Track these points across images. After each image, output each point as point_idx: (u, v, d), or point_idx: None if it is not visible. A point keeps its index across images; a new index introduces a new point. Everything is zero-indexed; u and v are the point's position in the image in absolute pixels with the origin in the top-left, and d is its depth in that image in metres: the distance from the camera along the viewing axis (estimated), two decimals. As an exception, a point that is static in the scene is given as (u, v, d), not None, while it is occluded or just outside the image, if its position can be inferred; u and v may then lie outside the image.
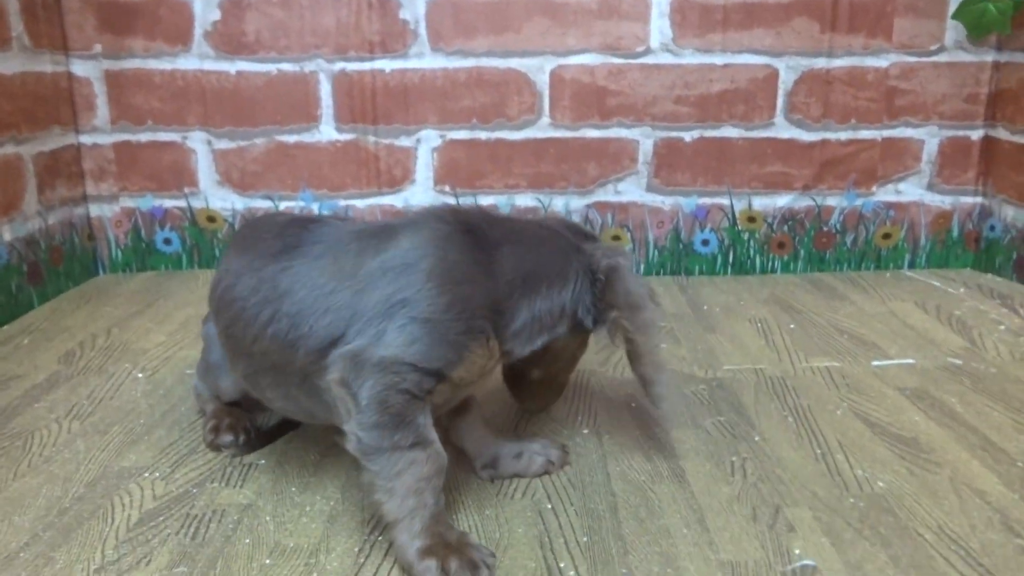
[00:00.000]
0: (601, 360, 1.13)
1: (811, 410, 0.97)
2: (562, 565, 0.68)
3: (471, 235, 0.75)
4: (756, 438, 0.90)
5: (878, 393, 1.01)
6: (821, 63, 1.46)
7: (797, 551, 0.69)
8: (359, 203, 1.53)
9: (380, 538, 0.72)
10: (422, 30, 1.45)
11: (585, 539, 0.72)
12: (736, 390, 1.03)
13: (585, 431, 0.93)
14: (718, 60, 1.46)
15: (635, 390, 1.03)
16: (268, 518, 0.75)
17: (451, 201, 1.50)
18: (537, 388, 0.90)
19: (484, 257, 0.74)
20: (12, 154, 1.29)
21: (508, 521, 0.75)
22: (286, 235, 0.79)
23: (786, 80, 1.47)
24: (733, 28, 1.44)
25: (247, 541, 0.72)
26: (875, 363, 1.10)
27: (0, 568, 0.68)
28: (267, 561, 0.69)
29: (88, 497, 0.79)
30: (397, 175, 1.52)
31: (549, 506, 0.77)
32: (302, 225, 0.80)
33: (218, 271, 0.84)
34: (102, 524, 0.74)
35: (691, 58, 1.46)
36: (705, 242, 1.55)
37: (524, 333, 0.75)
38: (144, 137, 1.50)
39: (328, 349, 0.70)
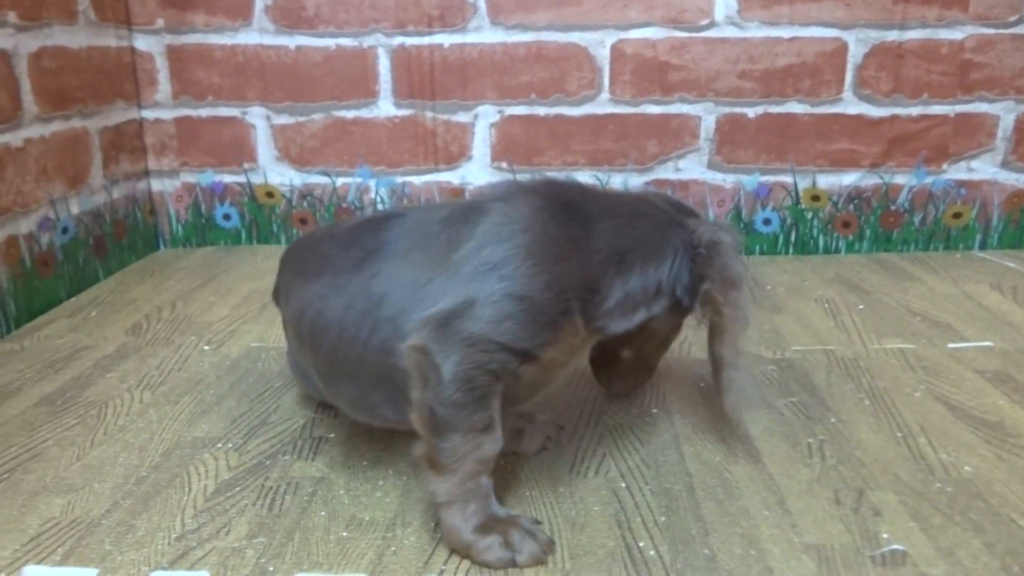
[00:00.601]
0: (666, 339, 1.11)
1: (888, 392, 0.94)
2: (641, 544, 0.67)
3: (566, 209, 0.72)
4: (832, 420, 0.88)
5: (957, 376, 0.98)
6: (893, 35, 1.41)
7: (885, 535, 0.67)
8: (416, 179, 1.53)
9: (455, 513, 0.72)
10: (482, 4, 1.43)
11: (663, 519, 0.70)
12: (807, 371, 1.00)
13: (655, 411, 0.91)
14: (785, 33, 1.42)
15: (703, 370, 1.01)
16: (342, 491, 0.75)
17: (508, 177, 1.49)
18: (625, 370, 0.88)
19: (580, 232, 0.71)
20: (79, 128, 1.31)
21: (583, 499, 0.74)
22: (361, 241, 0.75)
23: (855, 54, 1.42)
24: None
25: (323, 513, 0.72)
26: (951, 345, 1.07)
27: (85, 533, 0.69)
28: (344, 534, 0.69)
29: (164, 466, 0.79)
30: (454, 151, 1.51)
31: (623, 485, 0.76)
32: (375, 226, 0.76)
33: (292, 306, 0.78)
34: (180, 493, 0.75)
35: (756, 31, 1.42)
36: (767, 221, 1.52)
37: (618, 311, 0.72)
38: (204, 112, 1.51)
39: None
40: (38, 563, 0.65)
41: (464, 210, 0.73)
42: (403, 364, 0.66)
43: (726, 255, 0.74)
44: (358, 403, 0.76)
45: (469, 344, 0.64)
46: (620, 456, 0.81)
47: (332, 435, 0.86)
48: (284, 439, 0.85)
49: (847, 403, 0.92)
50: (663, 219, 0.76)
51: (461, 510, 0.66)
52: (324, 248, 0.78)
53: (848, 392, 0.94)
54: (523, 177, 0.81)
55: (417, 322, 0.66)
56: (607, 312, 0.71)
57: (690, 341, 1.10)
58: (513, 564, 0.64)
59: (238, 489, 0.76)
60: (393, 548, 0.67)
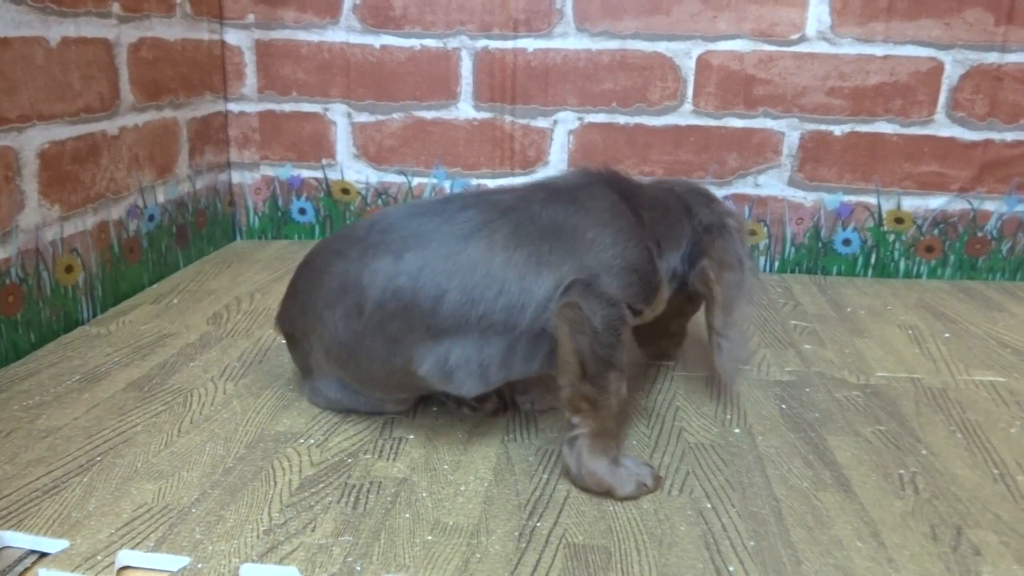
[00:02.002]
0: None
1: (980, 426, 0.91)
2: (731, 568, 0.65)
3: (627, 199, 0.86)
4: (923, 451, 0.85)
5: (1054, 414, 0.94)
6: (992, 57, 1.37)
7: (987, 577, 0.65)
8: (491, 183, 1.53)
9: (539, 524, 0.71)
10: (568, 9, 1.43)
11: (752, 543, 0.69)
12: (894, 399, 0.98)
13: (736, 431, 0.89)
14: (878, 51, 1.39)
15: (784, 391, 0.99)
16: (424, 494, 0.75)
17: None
18: (653, 336, 1.03)
19: (639, 219, 0.86)
20: (170, 118, 1.33)
21: (668, 518, 0.72)
22: (461, 216, 0.80)
23: (951, 75, 1.38)
24: (898, 17, 1.36)
25: (407, 515, 0.72)
26: (1045, 381, 1.03)
27: (176, 521, 0.70)
28: (429, 538, 0.69)
29: (249, 458, 0.80)
30: (531, 156, 1.51)
31: (709, 505, 0.75)
32: (463, 205, 0.82)
33: (375, 286, 0.78)
34: (266, 486, 0.76)
35: (849, 48, 1.39)
36: (847, 242, 1.48)
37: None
38: (288, 107, 1.53)
39: (553, 298, 0.77)
40: (132, 548, 0.66)
41: (555, 193, 0.85)
42: (537, 325, 0.77)
43: (727, 238, 0.89)
44: (469, 364, 0.78)
45: (609, 303, 0.76)
46: (704, 475, 0.80)
47: (411, 436, 0.86)
48: (364, 437, 0.86)
49: (938, 435, 0.89)
50: (680, 209, 0.92)
51: (603, 447, 0.76)
52: (407, 228, 0.80)
53: (938, 423, 0.91)
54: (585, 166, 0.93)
55: (566, 288, 0.77)
56: None
57: (768, 361, 1.08)
58: (646, 490, 0.76)
59: (322, 486, 0.76)
60: (479, 555, 0.67)
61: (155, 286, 1.31)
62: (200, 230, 1.46)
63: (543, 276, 0.77)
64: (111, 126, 1.18)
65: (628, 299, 0.79)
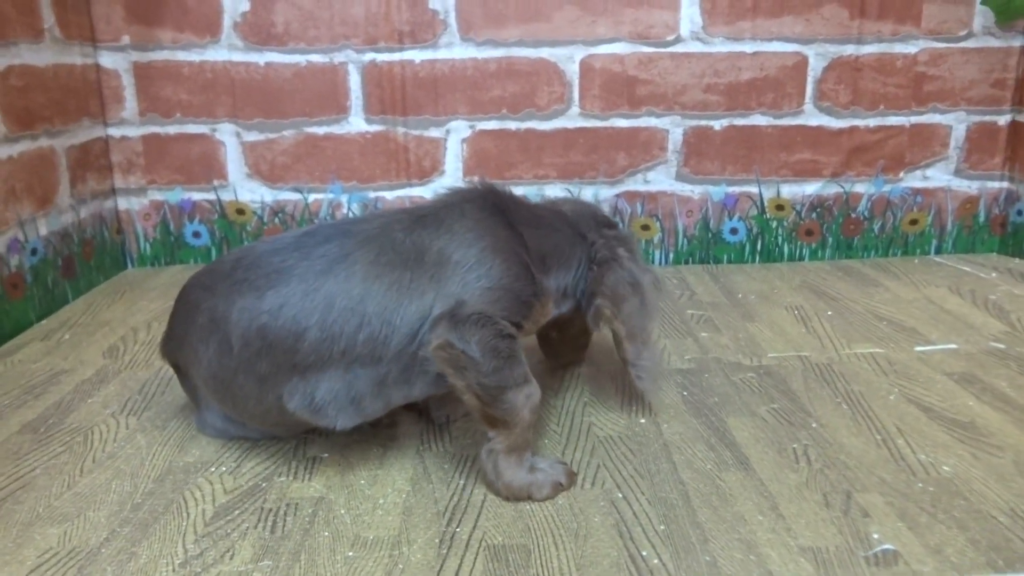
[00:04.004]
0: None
1: (863, 396, 0.97)
2: (644, 553, 0.69)
3: (503, 215, 0.85)
4: (814, 425, 0.91)
5: (927, 378, 1.02)
6: (850, 50, 1.46)
7: (875, 536, 0.70)
8: (388, 195, 1.53)
9: (458, 529, 0.73)
10: (452, 20, 1.44)
11: (663, 527, 0.72)
12: (784, 377, 1.03)
13: (642, 421, 0.93)
14: (748, 48, 1.46)
15: (685, 378, 1.04)
16: (343, 511, 0.76)
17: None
18: (560, 347, 1.06)
19: (516, 234, 0.84)
20: (46, 147, 1.28)
21: (583, 510, 0.75)
22: (319, 251, 0.79)
23: (815, 67, 1.47)
24: (763, 15, 1.44)
25: (326, 534, 0.72)
26: (918, 348, 1.11)
27: (86, 562, 0.68)
28: (350, 553, 0.69)
29: (159, 492, 0.79)
30: (427, 166, 1.52)
31: (620, 495, 0.78)
32: (325, 238, 0.80)
33: (239, 325, 0.77)
34: (178, 519, 0.74)
35: (721, 46, 1.46)
36: (734, 231, 1.55)
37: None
38: (173, 129, 1.49)
39: (419, 330, 0.76)
40: (41, 595, 0.64)
41: (421, 218, 0.83)
42: (405, 357, 0.77)
43: (616, 270, 0.89)
44: (335, 399, 0.77)
45: (479, 323, 0.75)
46: (614, 467, 0.83)
47: (326, 455, 0.86)
48: (278, 460, 0.85)
49: (826, 408, 0.95)
50: (571, 232, 0.91)
51: (518, 458, 0.77)
52: (269, 264, 0.79)
53: (826, 397, 0.98)
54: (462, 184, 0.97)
55: (431, 328, 0.76)
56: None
57: (668, 351, 1.13)
58: (562, 488, 0.78)
59: (237, 512, 0.75)
60: (401, 566, 0.68)
61: (44, 322, 1.26)
62: (88, 261, 1.41)
63: (404, 306, 0.77)
64: (-17, 159, 1.12)
65: (501, 313, 0.77)
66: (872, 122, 1.50)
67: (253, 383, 0.78)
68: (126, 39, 1.44)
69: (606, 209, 1.51)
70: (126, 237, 1.54)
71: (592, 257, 0.90)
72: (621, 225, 1.00)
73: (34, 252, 1.25)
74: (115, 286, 1.45)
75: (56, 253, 1.31)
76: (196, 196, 1.53)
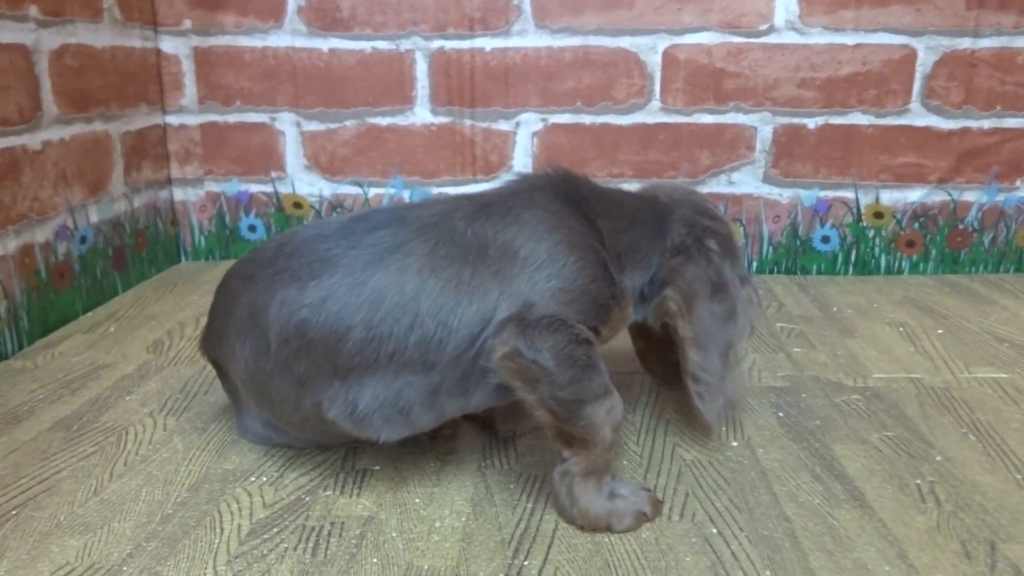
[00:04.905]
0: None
1: (993, 427, 0.84)
2: (749, 605, 0.57)
3: (579, 206, 0.74)
4: (938, 458, 0.78)
5: (1066, 409, 0.88)
6: (966, 43, 1.32)
7: (1035, 599, 0.58)
8: (452, 190, 1.44)
9: (526, 563, 0.62)
10: (527, 5, 1.35)
11: (768, 573, 0.61)
12: (896, 401, 0.91)
13: (734, 444, 0.82)
14: (849, 40, 1.33)
15: (779, 397, 0.92)
16: (394, 534, 0.66)
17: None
18: (653, 362, 0.93)
19: (592, 228, 0.74)
20: (101, 131, 1.23)
21: (671, 548, 0.64)
22: (368, 239, 0.70)
23: (925, 62, 1.34)
24: (868, 4, 1.31)
25: (375, 560, 0.63)
26: (1050, 375, 0.97)
27: (103, 583, 0.60)
28: (401, 586, 0.60)
29: (192, 503, 0.71)
30: (494, 161, 1.43)
31: (715, 530, 0.66)
32: (377, 224, 0.71)
33: (278, 319, 0.69)
34: (210, 534, 0.66)
35: (819, 37, 1.34)
36: (825, 239, 1.42)
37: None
38: (232, 118, 1.43)
39: (479, 334, 0.66)
40: (50, 618, 0.56)
41: (486, 206, 0.73)
42: (499, 379, 0.67)
43: (697, 263, 0.75)
44: (380, 408, 0.68)
45: (552, 328, 0.65)
46: (705, 496, 0.72)
47: (377, 467, 0.77)
48: (324, 471, 0.76)
49: (950, 439, 0.82)
50: (655, 224, 0.78)
51: (597, 483, 0.67)
52: (314, 252, 0.70)
53: (948, 426, 0.85)
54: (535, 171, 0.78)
55: (497, 334, 0.66)
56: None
57: (759, 366, 1.01)
58: (645, 518, 0.67)
59: (276, 530, 0.67)
60: (460, 605, 0.58)
61: (90, 314, 1.20)
62: (140, 252, 1.35)
63: (463, 306, 0.67)
64: (32, 140, 1.07)
65: (575, 317, 0.67)
66: (987, 124, 1.35)
67: (291, 386, 0.69)
68: (188, 23, 1.39)
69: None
70: (180, 229, 1.49)
71: (673, 245, 0.77)
72: (724, 219, 0.83)
73: (83, 240, 1.19)
74: (166, 279, 1.39)
75: (107, 242, 1.25)
76: (253, 188, 1.46)
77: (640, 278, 0.76)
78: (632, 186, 1.40)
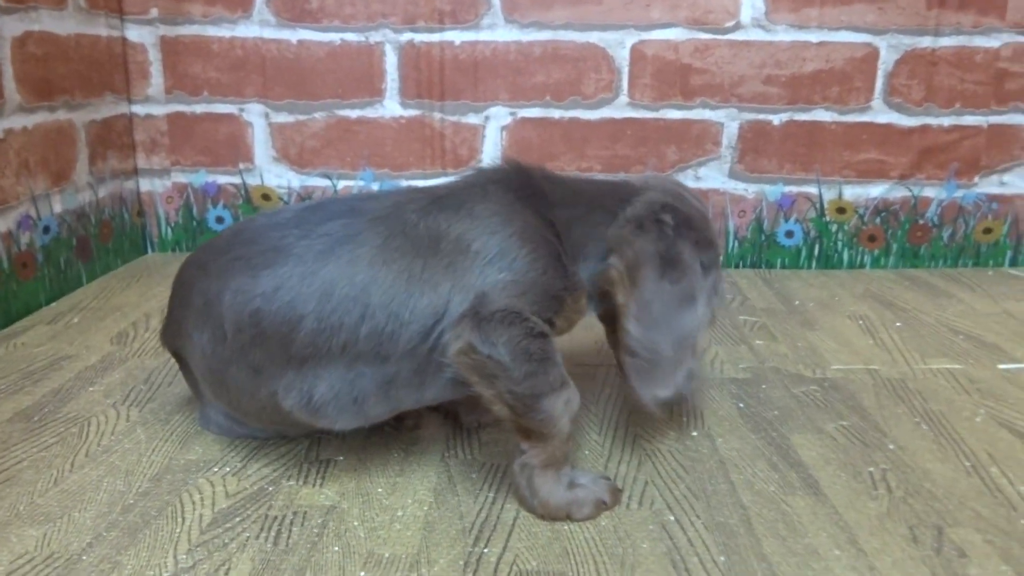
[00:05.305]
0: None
1: (945, 416, 0.86)
2: (702, 589, 0.59)
3: (533, 197, 0.74)
4: (891, 446, 0.80)
5: (1016, 399, 0.90)
6: (926, 42, 1.35)
7: (977, 582, 0.59)
8: (421, 183, 1.44)
9: (486, 551, 0.63)
10: (496, 0, 1.36)
11: (723, 559, 0.62)
12: (853, 392, 0.93)
13: (694, 433, 0.83)
14: (813, 37, 1.35)
15: (740, 388, 0.93)
16: (356, 523, 0.67)
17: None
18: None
19: (546, 219, 0.73)
20: (65, 120, 1.22)
21: (629, 535, 0.65)
22: (322, 229, 0.70)
23: (887, 60, 1.36)
24: (832, 2, 1.34)
25: (336, 549, 0.63)
26: (1002, 366, 1.00)
27: (63, 571, 0.59)
28: (361, 573, 0.60)
29: (154, 493, 0.71)
30: (463, 154, 1.43)
31: (672, 518, 0.68)
32: (331, 215, 0.71)
33: (233, 307, 0.69)
34: (172, 524, 0.66)
35: (784, 35, 1.36)
36: (789, 233, 1.45)
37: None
38: (199, 108, 1.42)
39: (433, 327, 0.67)
40: (7, 607, 0.56)
41: (439, 199, 0.72)
42: (454, 374, 0.67)
43: (650, 237, 0.71)
44: (335, 399, 0.68)
45: (507, 322, 0.65)
46: (664, 485, 0.73)
47: (341, 457, 0.78)
48: (288, 462, 0.77)
49: (903, 428, 0.84)
50: (621, 208, 0.75)
51: (555, 474, 0.68)
52: (267, 240, 0.70)
53: (902, 416, 0.87)
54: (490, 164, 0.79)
55: (451, 330, 0.66)
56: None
57: (721, 358, 1.03)
58: (605, 508, 0.68)
59: (238, 519, 0.67)
60: (419, 591, 0.58)
61: (53, 304, 1.19)
62: (105, 243, 1.34)
63: (415, 299, 0.67)
64: (-6, 128, 1.06)
65: (532, 309, 0.67)
66: (946, 121, 1.38)
67: (247, 375, 0.69)
68: (154, 12, 1.37)
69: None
70: (147, 220, 1.48)
71: (625, 217, 0.73)
72: (700, 206, 0.79)
73: (47, 230, 1.18)
74: (132, 271, 1.38)
75: (71, 233, 1.24)
76: (221, 179, 1.46)
77: (596, 264, 0.74)
78: (600, 180, 1.41)
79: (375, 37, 1.38)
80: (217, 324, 0.69)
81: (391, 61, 1.39)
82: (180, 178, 1.46)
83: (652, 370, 0.71)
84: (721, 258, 0.80)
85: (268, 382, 0.69)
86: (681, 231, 0.73)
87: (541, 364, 0.65)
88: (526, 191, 0.74)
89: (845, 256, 1.45)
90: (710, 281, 0.76)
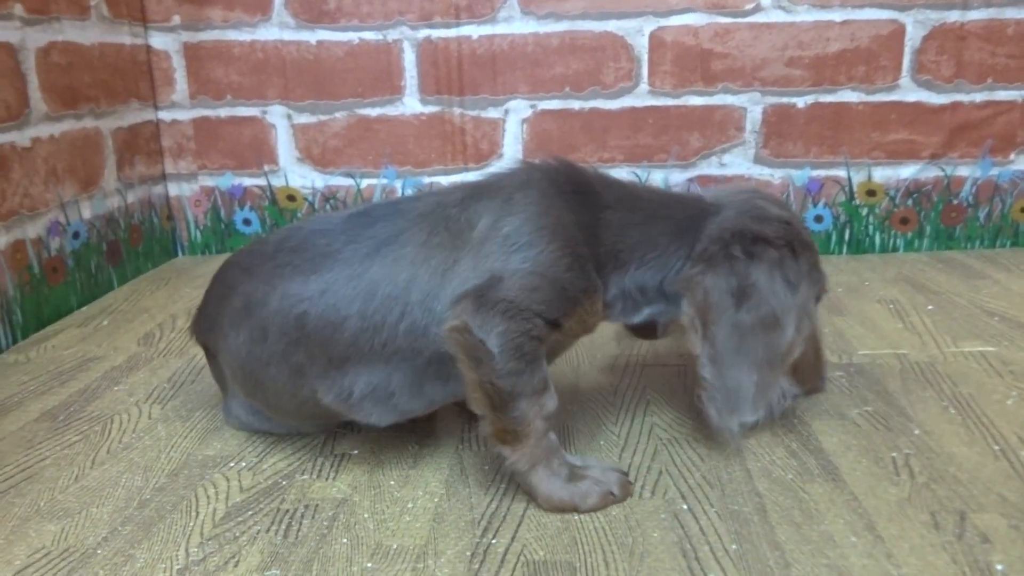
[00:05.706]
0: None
1: (975, 400, 0.84)
2: (712, 577, 0.58)
3: (578, 195, 0.72)
4: (916, 431, 0.78)
5: (1050, 381, 0.87)
6: (954, 16, 1.31)
7: (999, 567, 0.57)
8: (444, 180, 1.45)
9: (494, 541, 0.63)
10: (512, -8, 1.35)
11: (735, 547, 0.61)
12: (879, 377, 0.90)
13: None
14: (836, 16, 1.32)
15: (763, 376, 0.91)
16: (366, 515, 0.67)
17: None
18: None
19: (589, 219, 0.71)
20: (92, 128, 1.24)
21: (640, 524, 0.65)
22: (367, 232, 0.71)
23: (913, 36, 1.32)
24: (855, -20, 1.31)
25: (344, 541, 0.63)
26: (1037, 348, 0.97)
27: (77, 565, 0.61)
28: (368, 564, 0.60)
29: (170, 488, 0.72)
30: (484, 149, 1.43)
31: (685, 507, 0.67)
32: (377, 217, 0.72)
33: (277, 310, 0.70)
34: (185, 518, 0.67)
35: (806, 15, 1.33)
36: (818, 218, 1.42)
37: (618, 304, 0.73)
38: (223, 112, 1.44)
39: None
40: (22, 600, 0.57)
41: (479, 190, 0.72)
42: (442, 348, 0.66)
43: (720, 273, 0.69)
44: (372, 394, 0.69)
45: (509, 315, 0.64)
46: (679, 474, 0.72)
47: (355, 452, 0.78)
48: (303, 456, 0.77)
49: (930, 412, 0.82)
50: (689, 225, 0.73)
51: (547, 469, 0.67)
52: (315, 247, 0.72)
53: (929, 400, 0.84)
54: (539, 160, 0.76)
55: (450, 304, 0.66)
56: (608, 303, 0.72)
57: (745, 346, 1.01)
58: (613, 499, 0.67)
59: (250, 513, 0.68)
60: (425, 582, 0.58)
61: (84, 308, 1.22)
62: (135, 247, 1.37)
63: (446, 290, 0.67)
64: (21, 137, 1.08)
65: (536, 307, 0.65)
66: (978, 97, 1.34)
67: (286, 375, 0.71)
68: (176, 18, 1.40)
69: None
70: (176, 224, 1.50)
71: (696, 253, 0.71)
72: (797, 219, 0.75)
73: (76, 236, 1.21)
74: (162, 274, 1.40)
75: (101, 238, 1.27)
76: (247, 182, 1.48)
77: (649, 277, 0.72)
78: (622, 172, 1.40)
79: (392, 35, 1.39)
80: (257, 325, 0.71)
81: (409, 58, 1.39)
82: (207, 182, 1.48)
83: (731, 403, 0.70)
84: (816, 257, 0.74)
85: (308, 381, 0.70)
86: (755, 254, 0.70)
87: (529, 365, 0.65)
88: (570, 188, 0.72)
89: (877, 240, 1.42)
90: (801, 295, 0.71)
